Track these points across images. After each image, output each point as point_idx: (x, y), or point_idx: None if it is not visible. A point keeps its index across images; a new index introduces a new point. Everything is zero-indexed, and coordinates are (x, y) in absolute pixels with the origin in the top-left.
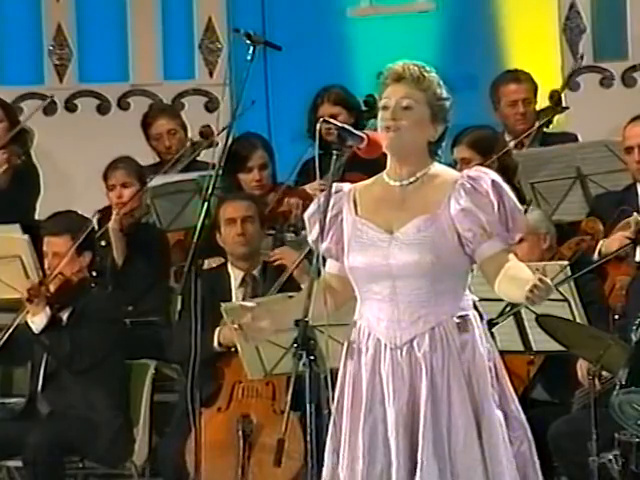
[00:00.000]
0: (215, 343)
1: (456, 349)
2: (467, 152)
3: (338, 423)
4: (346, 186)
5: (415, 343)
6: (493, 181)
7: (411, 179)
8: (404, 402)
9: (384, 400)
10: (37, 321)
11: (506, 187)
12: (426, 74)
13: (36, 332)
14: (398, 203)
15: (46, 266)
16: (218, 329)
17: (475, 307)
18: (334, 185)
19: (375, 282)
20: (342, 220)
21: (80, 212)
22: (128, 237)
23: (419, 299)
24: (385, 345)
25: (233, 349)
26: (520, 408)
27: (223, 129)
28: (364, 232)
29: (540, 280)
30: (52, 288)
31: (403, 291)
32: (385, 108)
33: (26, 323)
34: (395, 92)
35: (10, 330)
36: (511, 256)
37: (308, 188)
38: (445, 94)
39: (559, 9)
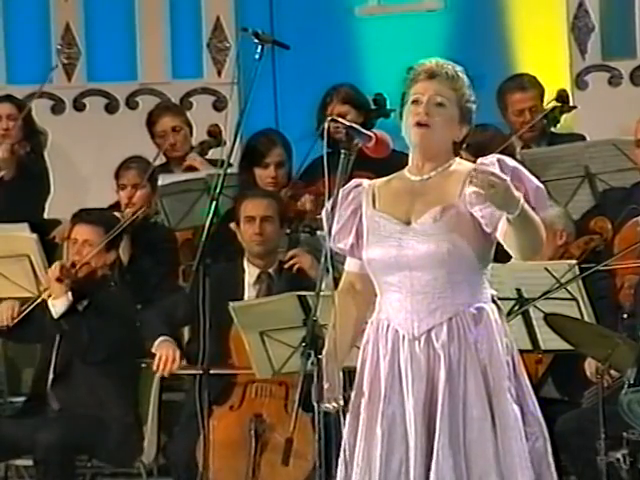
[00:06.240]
0: None
1: (473, 340)
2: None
3: (355, 415)
4: (365, 182)
5: (433, 334)
6: (500, 160)
7: (432, 173)
8: (422, 392)
9: (403, 391)
10: (58, 305)
11: (519, 166)
12: (460, 74)
13: (55, 316)
14: (417, 196)
15: (73, 251)
16: None
17: (494, 301)
18: (354, 181)
19: (392, 273)
20: (361, 215)
21: None
22: (134, 236)
23: (435, 290)
24: (403, 336)
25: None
26: (537, 405)
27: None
28: (381, 225)
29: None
30: (79, 275)
31: (420, 282)
32: (417, 102)
33: (46, 305)
34: (428, 88)
35: (32, 306)
36: None
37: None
38: (473, 96)
39: (568, 8)
